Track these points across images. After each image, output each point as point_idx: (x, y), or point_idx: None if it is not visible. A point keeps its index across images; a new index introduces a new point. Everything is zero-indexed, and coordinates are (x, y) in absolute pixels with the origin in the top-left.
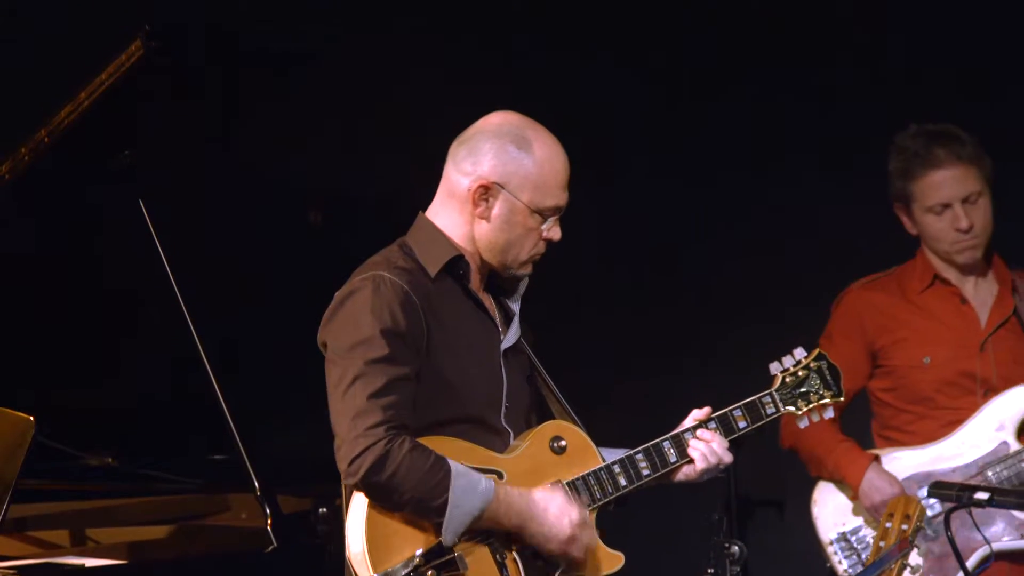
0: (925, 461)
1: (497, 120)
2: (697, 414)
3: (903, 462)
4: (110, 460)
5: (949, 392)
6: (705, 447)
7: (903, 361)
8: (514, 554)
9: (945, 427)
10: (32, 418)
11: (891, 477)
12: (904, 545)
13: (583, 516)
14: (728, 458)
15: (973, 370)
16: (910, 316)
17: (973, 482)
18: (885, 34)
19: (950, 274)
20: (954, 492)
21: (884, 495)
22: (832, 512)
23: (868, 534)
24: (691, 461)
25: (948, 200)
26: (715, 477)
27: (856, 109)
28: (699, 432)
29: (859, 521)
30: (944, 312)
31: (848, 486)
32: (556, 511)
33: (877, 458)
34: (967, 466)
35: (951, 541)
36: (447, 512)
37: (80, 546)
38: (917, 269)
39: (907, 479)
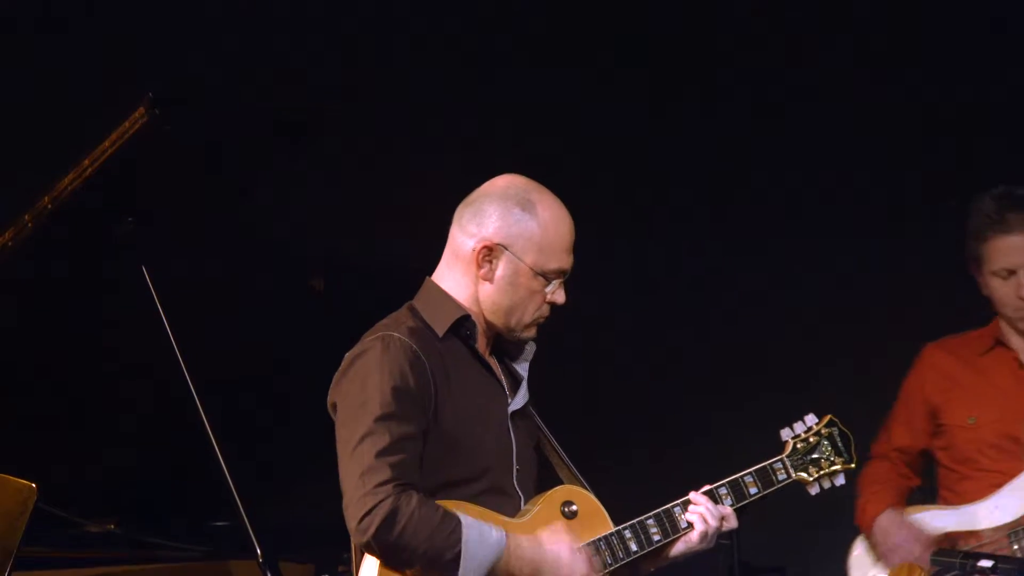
0: (953, 522)
1: (503, 183)
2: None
3: (935, 521)
4: (112, 526)
5: (992, 454)
6: (704, 510)
7: (952, 420)
8: None
9: (987, 489)
10: (34, 485)
11: (904, 523)
12: None
13: (594, 566)
14: (733, 523)
15: (1018, 434)
16: (966, 376)
17: (998, 549)
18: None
19: (1012, 338)
20: (957, 560)
21: (893, 539)
22: (861, 565)
23: None
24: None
25: (1014, 266)
26: (719, 543)
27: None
28: (695, 497)
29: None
30: (999, 375)
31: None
32: (568, 559)
33: (898, 505)
34: (996, 529)
35: None
36: (460, 564)
37: None
38: (985, 332)
39: (937, 537)
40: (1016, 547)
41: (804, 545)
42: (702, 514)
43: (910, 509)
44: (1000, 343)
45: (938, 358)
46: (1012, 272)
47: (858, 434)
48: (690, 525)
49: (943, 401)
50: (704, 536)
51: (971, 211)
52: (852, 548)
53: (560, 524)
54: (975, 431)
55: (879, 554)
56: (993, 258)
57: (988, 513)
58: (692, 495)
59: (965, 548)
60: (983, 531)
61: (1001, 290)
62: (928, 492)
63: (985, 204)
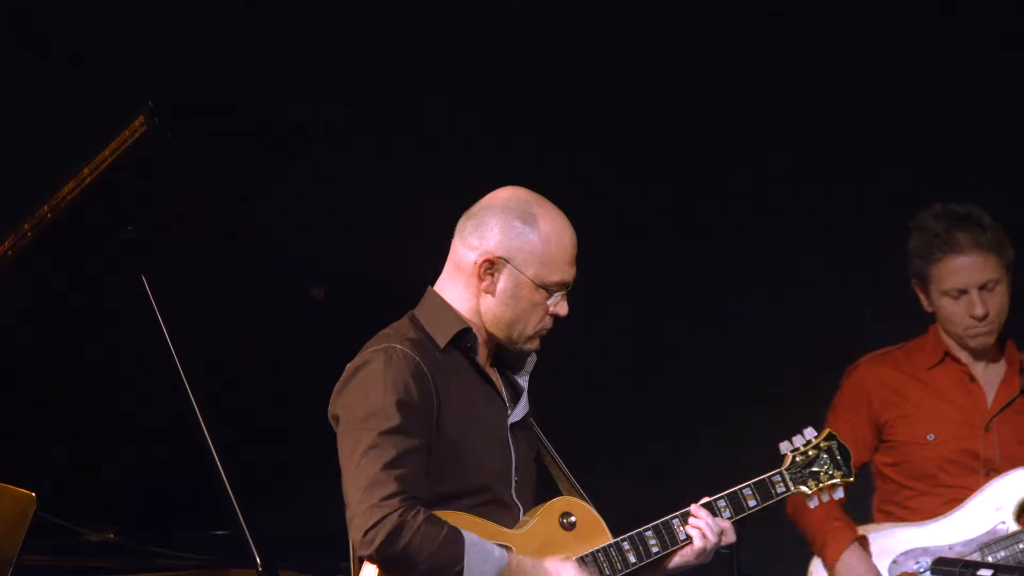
0: (923, 537)
1: (505, 195)
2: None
3: (900, 537)
4: (111, 535)
5: (951, 470)
6: (703, 524)
7: (907, 437)
8: None
9: (946, 504)
10: (34, 494)
11: (868, 562)
12: None
13: None
14: (731, 536)
15: (976, 449)
16: (917, 392)
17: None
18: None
19: (960, 354)
20: (957, 569)
21: None
22: None
23: None
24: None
25: (965, 286)
26: (719, 553)
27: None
28: (696, 511)
29: None
30: (951, 390)
31: (827, 566)
32: (570, 574)
33: (862, 539)
34: (965, 544)
35: None
36: None
37: None
38: (928, 345)
39: (904, 554)
40: (991, 559)
41: (805, 557)
42: (701, 529)
43: (870, 527)
44: (950, 356)
45: (880, 373)
46: (963, 291)
47: None
48: (689, 538)
49: (895, 417)
50: (702, 551)
51: (913, 229)
52: (810, 569)
53: (560, 539)
54: (934, 448)
55: None
56: (944, 278)
57: (959, 528)
58: (692, 508)
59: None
60: (953, 545)
61: (950, 308)
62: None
63: (931, 223)
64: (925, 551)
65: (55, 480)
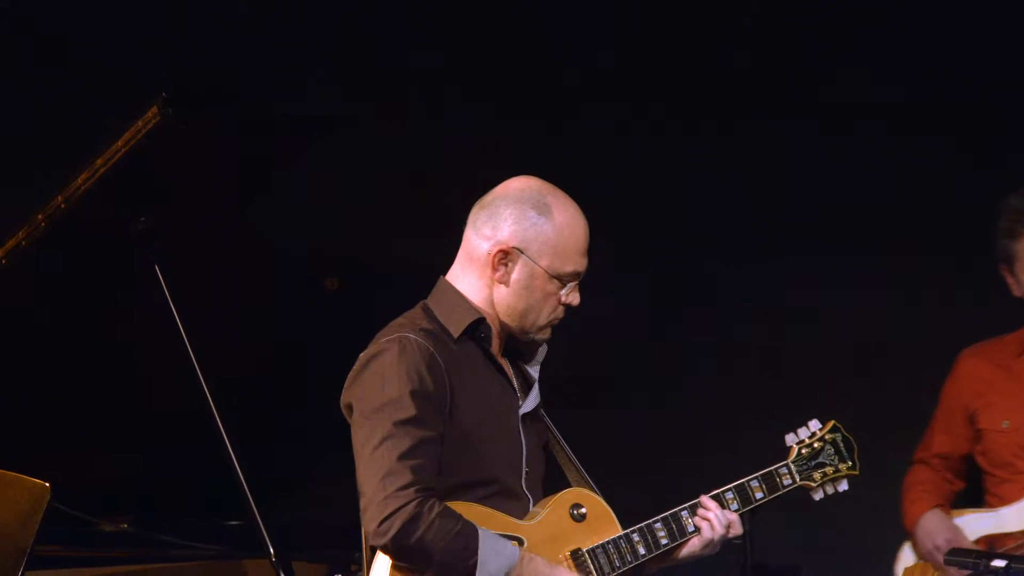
0: (991, 524)
1: (518, 185)
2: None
3: (975, 524)
4: (124, 526)
5: None
6: (712, 516)
7: (987, 425)
8: None
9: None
10: (48, 484)
11: (947, 524)
12: None
13: None
14: (738, 528)
15: None
16: (1000, 380)
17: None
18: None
19: None
20: (971, 559)
21: (934, 541)
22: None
23: None
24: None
25: None
26: (731, 543)
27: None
28: (706, 502)
29: None
30: None
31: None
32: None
33: (942, 507)
34: None
35: None
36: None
37: None
38: (1020, 334)
39: (975, 540)
40: None
41: (819, 546)
42: (710, 520)
43: (955, 512)
44: None
45: (974, 364)
46: None
47: (869, 440)
48: (697, 530)
49: (980, 406)
50: (710, 542)
51: (1000, 210)
52: (900, 551)
53: (570, 530)
54: (1010, 435)
55: (921, 554)
56: None
57: (1021, 515)
58: (702, 499)
59: (978, 548)
60: (1016, 533)
61: None
62: (973, 496)
63: (1014, 202)
64: (989, 539)
65: (69, 470)
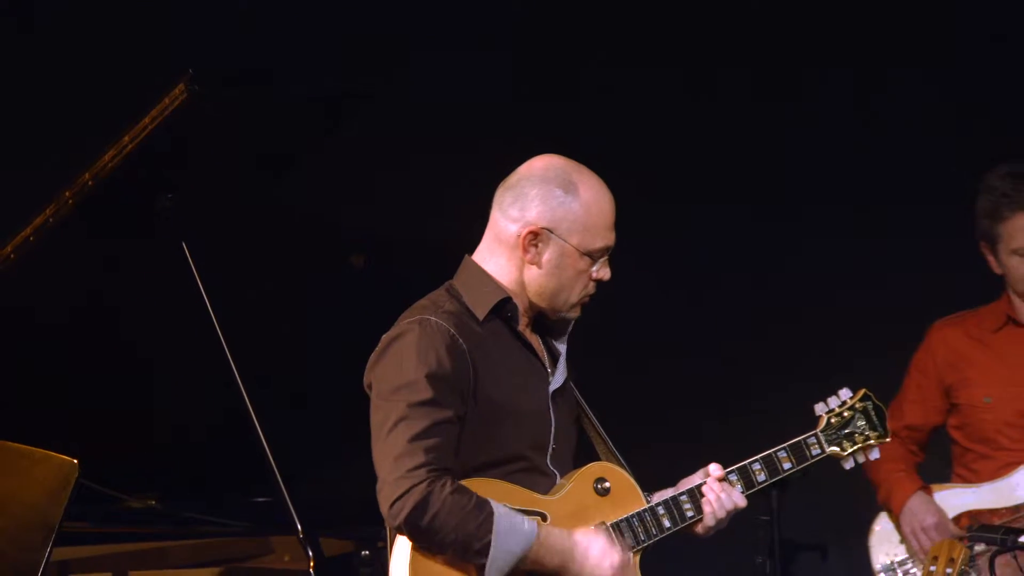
0: (972, 500)
1: (542, 164)
2: (715, 467)
3: (954, 499)
4: (152, 502)
5: (1010, 433)
6: (715, 497)
7: (967, 400)
8: None
9: (1004, 468)
10: (75, 461)
11: (933, 506)
12: None
13: (625, 559)
14: (742, 502)
15: None
16: (978, 355)
17: (1018, 525)
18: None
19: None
20: (998, 535)
21: (921, 523)
22: (884, 541)
23: (915, 569)
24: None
25: None
26: (759, 519)
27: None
28: (711, 483)
29: (907, 553)
30: (1012, 353)
31: (893, 514)
32: (597, 553)
33: (926, 487)
34: (1015, 508)
35: None
36: (490, 554)
37: None
38: (996, 309)
39: (955, 517)
40: None
41: (846, 523)
42: (716, 493)
43: (934, 487)
44: (1012, 321)
45: (949, 336)
46: None
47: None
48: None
49: (957, 380)
50: (712, 516)
51: (980, 191)
52: (874, 524)
53: (594, 504)
54: (992, 411)
55: (904, 534)
56: (1012, 236)
57: (1009, 491)
58: (711, 468)
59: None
60: (1001, 509)
61: (1020, 269)
62: (934, 469)
63: (997, 183)
64: (974, 515)
65: (97, 447)
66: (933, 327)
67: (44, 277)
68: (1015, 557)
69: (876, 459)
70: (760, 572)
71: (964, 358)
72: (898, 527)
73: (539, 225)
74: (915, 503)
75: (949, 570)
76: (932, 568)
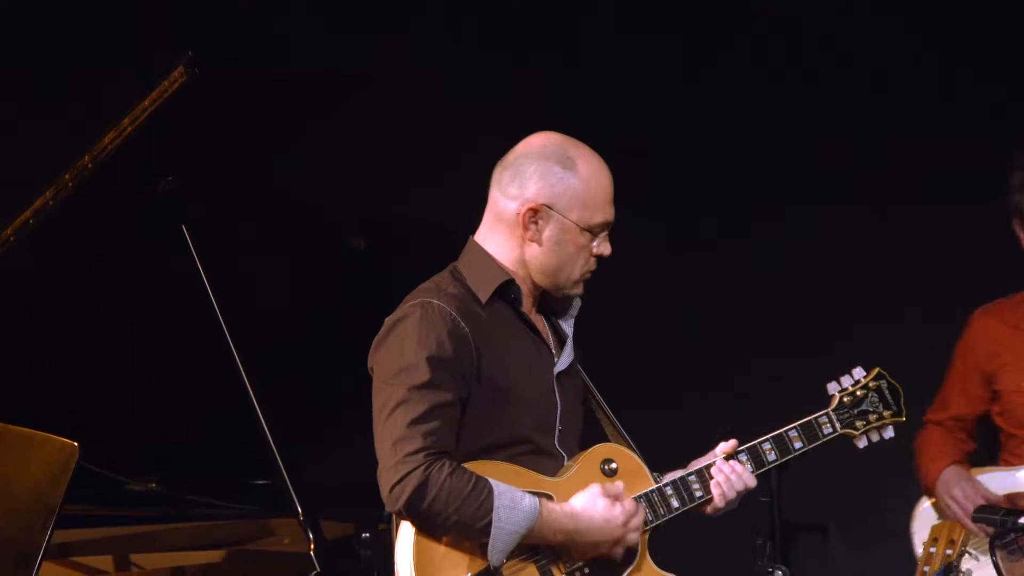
0: (1011, 483)
1: (539, 141)
2: (725, 446)
3: (993, 484)
4: (153, 485)
5: None
6: (724, 478)
7: (1006, 386)
8: (562, 571)
9: None
10: (76, 444)
11: (968, 477)
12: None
13: (631, 509)
14: (752, 482)
15: None
16: (1014, 340)
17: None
18: None
19: None
20: (998, 517)
21: (950, 491)
22: (926, 525)
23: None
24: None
25: None
26: (760, 501)
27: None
28: (720, 462)
29: None
30: None
31: (930, 492)
32: (601, 521)
33: (962, 463)
34: None
35: (996, 566)
36: (492, 533)
37: (124, 571)
38: None
39: (997, 500)
40: None
41: (846, 504)
42: (725, 474)
43: (975, 471)
44: None
45: (987, 324)
46: None
47: (906, 391)
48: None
49: (996, 367)
50: (722, 498)
51: (1015, 165)
52: (918, 504)
53: (596, 486)
54: None
55: (940, 508)
56: None
57: None
58: (720, 447)
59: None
60: None
61: None
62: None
63: None
64: (1010, 498)
65: (98, 429)
66: (973, 315)
67: (43, 260)
68: (1016, 538)
69: (921, 446)
70: (760, 553)
71: (1001, 344)
72: (936, 507)
73: (538, 202)
74: (948, 474)
75: (949, 551)
76: (932, 550)
